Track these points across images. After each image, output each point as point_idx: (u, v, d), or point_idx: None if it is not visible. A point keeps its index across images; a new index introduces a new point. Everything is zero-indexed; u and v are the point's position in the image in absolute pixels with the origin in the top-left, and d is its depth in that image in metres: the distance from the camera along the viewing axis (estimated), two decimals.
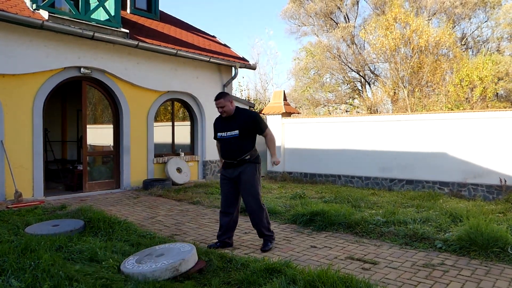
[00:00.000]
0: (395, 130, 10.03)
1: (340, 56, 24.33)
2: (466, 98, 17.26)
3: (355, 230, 5.27)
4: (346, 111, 26.24)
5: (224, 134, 4.52)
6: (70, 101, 11.48)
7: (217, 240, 4.65)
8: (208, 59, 10.17)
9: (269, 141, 4.62)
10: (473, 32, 24.04)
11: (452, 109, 16.44)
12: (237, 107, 4.62)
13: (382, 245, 4.70)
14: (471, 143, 8.91)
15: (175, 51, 9.39)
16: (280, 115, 12.10)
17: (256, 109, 11.41)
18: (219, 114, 4.62)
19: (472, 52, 23.67)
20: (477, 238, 4.37)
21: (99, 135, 9.34)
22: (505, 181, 8.36)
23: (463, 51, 21.66)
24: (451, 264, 4.04)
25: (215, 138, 4.72)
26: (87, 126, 8.69)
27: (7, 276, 3.24)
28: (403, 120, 10.12)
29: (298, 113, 14.48)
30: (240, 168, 4.48)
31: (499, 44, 23.12)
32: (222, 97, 4.51)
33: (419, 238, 4.84)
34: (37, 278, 3.17)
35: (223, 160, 4.64)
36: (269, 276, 3.41)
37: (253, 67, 11.78)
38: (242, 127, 4.45)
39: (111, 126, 9.18)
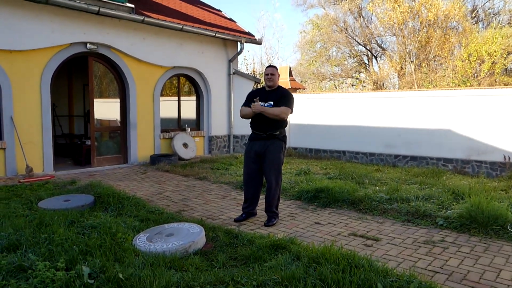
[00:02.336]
0: (400, 107, 10.02)
1: (347, 29, 23.93)
2: (474, 73, 17.04)
3: (358, 207, 5.39)
4: (352, 85, 26.02)
5: (261, 103, 4.69)
6: (76, 75, 11.50)
7: (242, 212, 4.93)
8: (214, 34, 10.09)
9: (280, 110, 4.59)
10: (484, 4, 23.43)
11: (459, 85, 16.29)
12: (279, 85, 4.88)
13: (384, 222, 4.82)
14: (476, 120, 8.91)
15: (181, 26, 9.32)
16: None
17: (262, 83, 11.39)
18: (260, 87, 4.88)
19: (483, 24, 23.10)
20: (478, 215, 4.46)
21: (105, 109, 9.41)
22: (509, 158, 8.41)
23: (473, 24, 21.17)
24: (451, 241, 4.15)
25: (244, 105, 4.86)
26: (94, 100, 8.75)
27: (23, 250, 3.40)
28: (408, 96, 10.10)
29: (304, 89, 14.42)
30: (268, 142, 4.65)
31: (510, 17, 22.53)
32: (275, 67, 4.85)
33: (421, 215, 4.95)
34: (52, 252, 3.32)
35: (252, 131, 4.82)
36: (274, 252, 3.53)
37: (259, 42, 11.69)
38: (277, 100, 4.66)
39: (118, 100, 9.25)
